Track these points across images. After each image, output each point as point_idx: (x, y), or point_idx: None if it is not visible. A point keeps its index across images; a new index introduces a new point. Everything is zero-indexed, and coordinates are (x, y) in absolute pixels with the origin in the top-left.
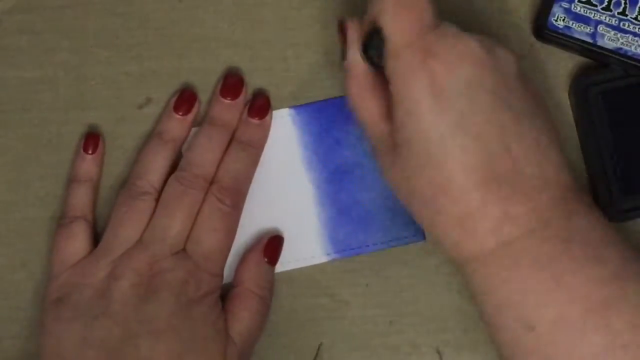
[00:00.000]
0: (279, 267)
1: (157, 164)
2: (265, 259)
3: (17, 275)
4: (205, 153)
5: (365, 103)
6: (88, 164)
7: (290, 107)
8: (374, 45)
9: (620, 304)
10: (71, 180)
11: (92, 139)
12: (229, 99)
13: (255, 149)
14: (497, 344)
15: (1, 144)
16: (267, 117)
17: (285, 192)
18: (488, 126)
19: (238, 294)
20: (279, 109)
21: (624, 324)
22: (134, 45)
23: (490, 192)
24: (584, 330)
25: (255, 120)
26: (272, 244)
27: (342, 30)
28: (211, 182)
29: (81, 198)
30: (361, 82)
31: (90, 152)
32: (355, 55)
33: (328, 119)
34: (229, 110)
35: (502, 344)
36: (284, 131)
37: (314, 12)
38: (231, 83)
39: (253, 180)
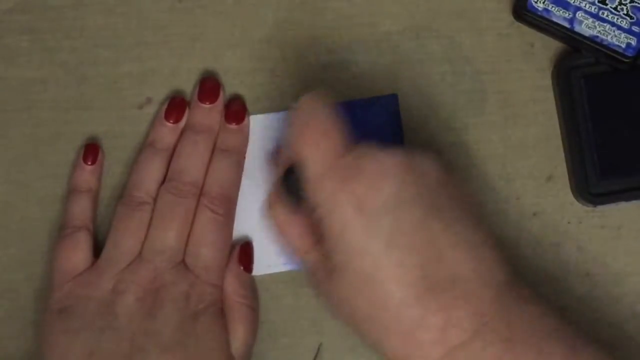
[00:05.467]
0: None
1: (152, 173)
2: (242, 268)
3: (17, 275)
4: (191, 160)
5: (295, 230)
6: (88, 175)
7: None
8: (294, 178)
9: None
10: (71, 191)
11: (91, 150)
12: (207, 103)
13: (237, 154)
14: None
15: (1, 144)
16: (245, 121)
17: None
18: (419, 237)
19: (228, 309)
20: (279, 110)
21: None
22: (134, 45)
23: (430, 303)
24: None
25: (233, 126)
26: (243, 252)
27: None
28: (201, 193)
29: (82, 208)
30: (288, 210)
31: (89, 162)
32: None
33: None
34: (209, 114)
35: None
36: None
37: (314, 12)
38: (207, 87)
39: (249, 182)
